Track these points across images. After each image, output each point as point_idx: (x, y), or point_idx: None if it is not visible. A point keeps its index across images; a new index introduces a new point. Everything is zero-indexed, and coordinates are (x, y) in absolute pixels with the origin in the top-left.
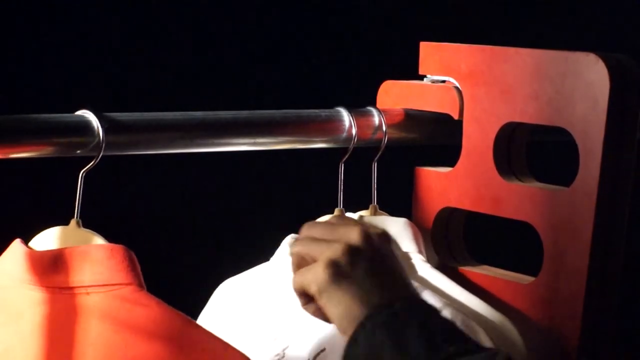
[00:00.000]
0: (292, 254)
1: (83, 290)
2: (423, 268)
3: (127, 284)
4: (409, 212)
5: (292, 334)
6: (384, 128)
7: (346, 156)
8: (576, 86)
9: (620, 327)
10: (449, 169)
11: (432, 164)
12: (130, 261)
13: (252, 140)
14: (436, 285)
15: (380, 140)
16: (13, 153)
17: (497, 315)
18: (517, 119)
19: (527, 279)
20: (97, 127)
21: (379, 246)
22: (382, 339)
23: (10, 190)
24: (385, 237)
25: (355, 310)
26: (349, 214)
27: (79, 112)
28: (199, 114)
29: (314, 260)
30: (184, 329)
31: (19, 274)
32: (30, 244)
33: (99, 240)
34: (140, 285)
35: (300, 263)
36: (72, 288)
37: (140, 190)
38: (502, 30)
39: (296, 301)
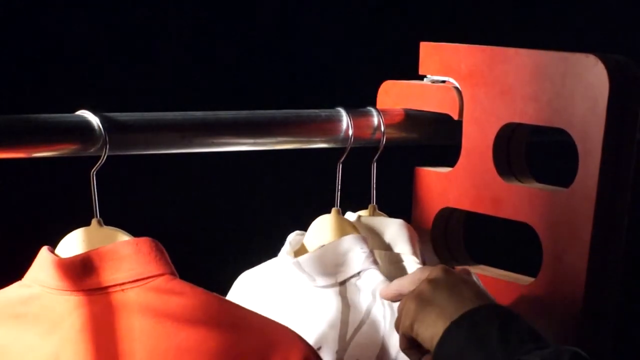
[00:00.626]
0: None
1: (118, 288)
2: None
3: (159, 275)
4: (409, 212)
5: None
6: (382, 128)
7: (343, 156)
8: (576, 87)
9: (620, 327)
10: (448, 169)
11: (432, 164)
12: (159, 251)
13: (252, 140)
14: None
15: (379, 141)
16: (35, 153)
17: None
18: (517, 120)
19: (527, 279)
20: (99, 127)
21: (458, 277)
22: (465, 340)
23: (11, 191)
24: (465, 271)
25: (440, 327)
26: (349, 214)
27: (78, 112)
28: (199, 114)
29: None
30: (221, 309)
31: (52, 282)
32: (58, 249)
33: (123, 236)
34: (172, 274)
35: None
36: (106, 288)
37: (146, 192)
38: (502, 30)
39: (295, 300)
